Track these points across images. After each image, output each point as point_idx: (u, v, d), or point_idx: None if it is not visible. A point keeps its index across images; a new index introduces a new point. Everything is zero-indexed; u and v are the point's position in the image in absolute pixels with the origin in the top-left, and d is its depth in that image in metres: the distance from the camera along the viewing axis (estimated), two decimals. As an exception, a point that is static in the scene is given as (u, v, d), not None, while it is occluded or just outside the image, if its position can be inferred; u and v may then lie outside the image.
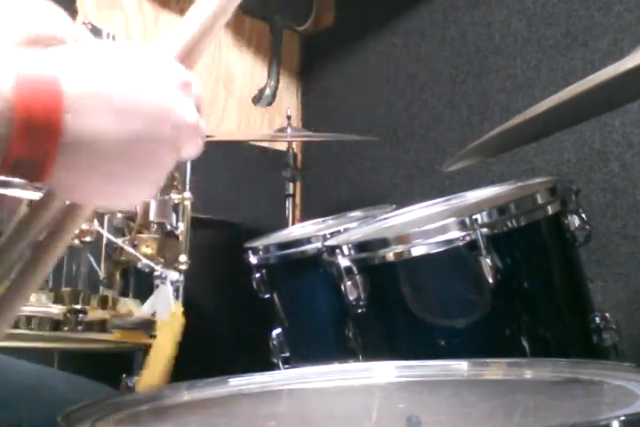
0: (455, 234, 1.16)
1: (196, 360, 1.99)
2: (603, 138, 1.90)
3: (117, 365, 1.58)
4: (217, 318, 2.37)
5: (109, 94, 0.51)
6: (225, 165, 2.46)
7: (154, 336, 1.40)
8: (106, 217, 1.45)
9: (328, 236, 1.54)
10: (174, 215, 1.54)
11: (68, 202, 0.59)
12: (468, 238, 1.14)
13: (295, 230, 1.93)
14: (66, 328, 1.37)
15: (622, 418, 0.54)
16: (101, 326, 1.40)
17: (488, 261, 1.12)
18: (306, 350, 1.66)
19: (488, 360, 0.86)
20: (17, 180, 0.90)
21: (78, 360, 1.86)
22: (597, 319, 1.22)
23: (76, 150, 0.50)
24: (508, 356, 1.05)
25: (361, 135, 2.27)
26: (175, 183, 1.48)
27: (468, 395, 0.78)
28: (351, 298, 1.24)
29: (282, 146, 2.34)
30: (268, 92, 2.59)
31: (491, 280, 1.12)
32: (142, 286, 1.60)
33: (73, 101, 0.49)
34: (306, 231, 1.85)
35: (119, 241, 1.43)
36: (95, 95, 0.51)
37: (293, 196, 2.21)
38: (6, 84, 0.48)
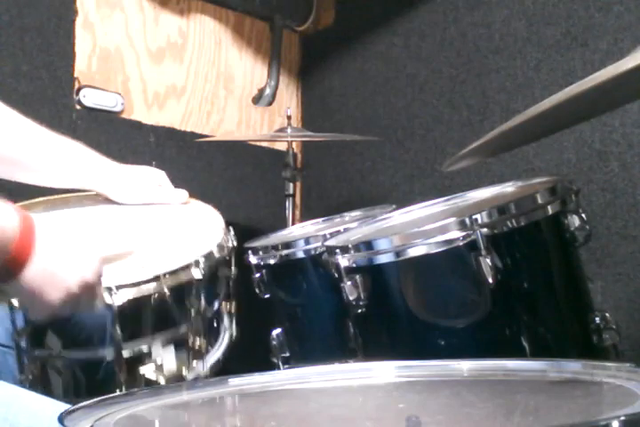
0: (455, 234, 1.16)
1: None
2: (603, 138, 1.90)
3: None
4: (217, 318, 2.37)
5: (52, 266, 0.93)
6: (225, 165, 2.46)
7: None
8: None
9: (328, 236, 1.54)
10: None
11: None
12: (467, 238, 1.14)
13: (295, 230, 1.93)
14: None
15: (622, 418, 0.54)
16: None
17: (488, 261, 1.12)
18: (306, 350, 1.66)
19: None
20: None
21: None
22: (597, 319, 1.22)
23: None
24: (508, 356, 1.04)
25: (361, 135, 2.27)
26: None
27: (468, 395, 0.78)
28: (351, 298, 1.24)
29: (282, 146, 2.33)
30: (267, 91, 2.59)
31: (491, 280, 1.12)
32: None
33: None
34: (306, 231, 1.85)
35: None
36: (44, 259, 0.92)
37: (293, 196, 2.21)
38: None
